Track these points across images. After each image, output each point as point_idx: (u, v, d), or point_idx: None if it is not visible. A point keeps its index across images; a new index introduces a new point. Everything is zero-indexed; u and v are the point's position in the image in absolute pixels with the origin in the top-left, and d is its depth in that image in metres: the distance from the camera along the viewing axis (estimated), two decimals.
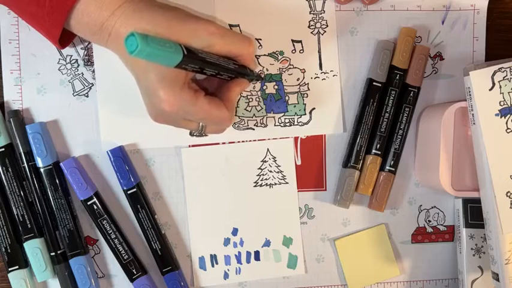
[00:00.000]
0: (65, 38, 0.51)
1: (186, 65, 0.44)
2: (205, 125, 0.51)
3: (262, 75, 0.57)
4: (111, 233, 0.56)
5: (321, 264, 0.60)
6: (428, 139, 0.58)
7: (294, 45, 0.58)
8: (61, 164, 0.55)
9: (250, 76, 0.52)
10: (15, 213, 0.55)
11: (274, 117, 0.58)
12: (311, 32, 0.58)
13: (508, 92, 0.52)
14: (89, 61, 0.57)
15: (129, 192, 0.56)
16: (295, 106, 0.58)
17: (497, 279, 0.53)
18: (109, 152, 0.56)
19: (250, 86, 0.58)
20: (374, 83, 0.57)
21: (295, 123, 0.58)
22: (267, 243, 0.59)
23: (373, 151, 0.58)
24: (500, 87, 0.52)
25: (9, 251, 0.55)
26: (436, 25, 0.59)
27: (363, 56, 0.59)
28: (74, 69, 0.56)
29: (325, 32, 0.58)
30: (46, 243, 0.56)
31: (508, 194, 0.52)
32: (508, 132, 0.52)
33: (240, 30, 0.57)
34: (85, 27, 0.47)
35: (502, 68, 0.52)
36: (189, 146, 0.58)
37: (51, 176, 0.55)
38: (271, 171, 0.59)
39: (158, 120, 0.49)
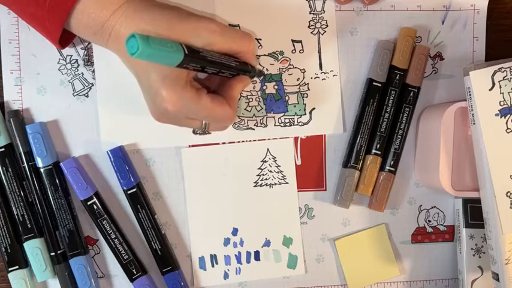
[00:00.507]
0: (65, 38, 0.51)
1: (187, 64, 0.44)
2: (208, 123, 0.51)
3: (264, 72, 0.57)
4: (111, 233, 0.56)
5: (321, 264, 0.60)
6: (428, 139, 0.58)
7: (294, 45, 0.58)
8: (61, 164, 0.55)
9: (251, 73, 0.52)
10: (15, 213, 0.55)
11: (274, 117, 0.58)
12: (311, 32, 0.58)
13: (508, 92, 0.52)
14: (89, 61, 0.57)
15: (129, 192, 0.56)
16: (295, 106, 0.58)
17: (497, 279, 0.53)
18: (109, 152, 0.56)
19: (250, 85, 0.58)
20: (374, 83, 0.57)
21: (295, 123, 0.58)
22: (267, 243, 0.59)
23: (373, 151, 0.58)
24: (500, 87, 0.52)
25: (9, 251, 0.55)
26: (436, 25, 0.59)
27: (363, 56, 0.59)
28: (74, 69, 0.56)
29: (325, 32, 0.58)
30: (46, 243, 0.56)
31: (508, 194, 0.52)
32: (508, 132, 0.52)
33: None
34: (85, 27, 0.47)
35: (502, 68, 0.52)
36: (189, 146, 0.58)
37: (51, 176, 0.55)
38: (271, 171, 0.59)
39: (161, 120, 0.49)
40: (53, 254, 0.56)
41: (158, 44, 0.40)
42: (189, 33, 0.45)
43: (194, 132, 0.57)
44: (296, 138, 0.59)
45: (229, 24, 0.57)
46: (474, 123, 0.53)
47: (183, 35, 0.45)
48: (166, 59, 0.42)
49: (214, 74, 0.48)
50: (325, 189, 0.60)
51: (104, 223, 0.56)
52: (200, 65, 0.45)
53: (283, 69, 0.58)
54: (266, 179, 0.59)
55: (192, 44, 0.45)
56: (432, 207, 0.61)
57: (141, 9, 0.45)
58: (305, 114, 0.58)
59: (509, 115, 0.52)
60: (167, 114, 0.48)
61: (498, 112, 0.52)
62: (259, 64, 0.58)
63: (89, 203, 0.55)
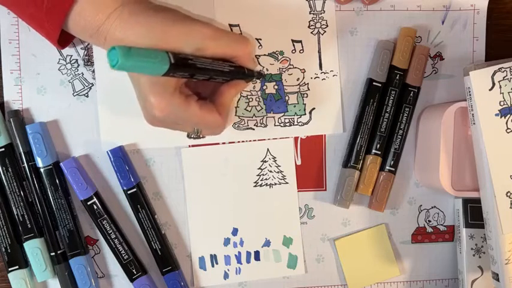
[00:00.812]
0: (64, 38, 0.51)
1: (174, 73, 0.43)
2: (200, 128, 0.51)
3: (264, 73, 0.56)
4: (111, 233, 0.56)
5: (321, 264, 0.60)
6: (428, 139, 0.58)
7: (294, 45, 0.58)
8: (61, 164, 0.55)
9: (248, 77, 0.51)
10: (15, 213, 0.55)
11: (274, 117, 0.58)
12: (311, 32, 0.58)
13: (508, 92, 0.52)
14: (89, 61, 0.57)
15: (129, 192, 0.56)
16: (295, 106, 0.58)
17: (497, 279, 0.53)
18: (109, 152, 0.56)
19: (250, 85, 0.58)
20: (374, 83, 0.57)
21: (295, 123, 0.58)
22: (267, 243, 0.59)
23: (373, 151, 0.58)
24: (500, 87, 0.52)
25: (9, 251, 0.55)
26: (436, 25, 0.59)
27: (363, 56, 0.59)
28: (74, 69, 0.56)
29: (325, 32, 0.58)
30: (46, 243, 0.56)
31: (508, 194, 0.52)
32: (508, 132, 0.52)
33: (240, 30, 0.57)
34: (82, 29, 0.47)
35: (502, 68, 0.52)
36: (189, 146, 0.58)
37: (51, 176, 0.55)
38: (271, 171, 0.59)
39: (154, 124, 0.49)
40: (53, 254, 0.56)
41: (140, 56, 0.40)
42: (181, 38, 0.44)
43: (188, 136, 0.56)
44: (296, 138, 0.59)
45: (229, 24, 0.57)
46: (474, 123, 0.53)
47: (174, 40, 0.44)
48: (151, 70, 0.41)
49: (206, 80, 0.48)
50: (325, 189, 0.60)
51: (104, 223, 0.56)
52: (188, 73, 0.45)
53: (283, 69, 0.58)
54: (266, 179, 0.59)
55: (183, 49, 0.44)
56: (432, 207, 0.61)
57: (136, 12, 0.45)
58: (305, 114, 0.58)
59: (509, 115, 0.52)
60: (158, 119, 0.48)
61: (498, 112, 0.52)
62: (259, 64, 0.58)
63: (89, 203, 0.55)
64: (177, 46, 0.44)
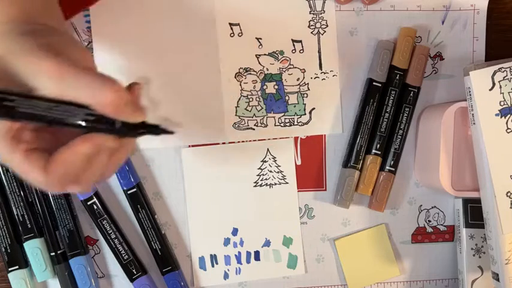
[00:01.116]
0: None
1: None
2: None
3: (165, 129, 0.39)
4: (111, 233, 0.56)
5: (321, 264, 0.60)
6: (428, 139, 0.58)
7: (294, 45, 0.58)
8: None
9: (124, 132, 0.37)
10: (15, 213, 0.55)
11: (274, 117, 0.58)
12: (311, 32, 0.58)
13: (508, 92, 0.52)
14: None
15: (129, 192, 0.56)
16: (295, 106, 0.58)
17: (497, 279, 0.53)
18: None
19: (251, 85, 0.58)
20: (374, 83, 0.57)
21: (295, 123, 0.58)
22: (267, 243, 0.59)
23: (373, 151, 0.58)
24: (500, 87, 0.52)
25: (9, 251, 0.55)
26: (436, 25, 0.59)
27: (362, 56, 0.59)
28: None
29: (325, 32, 0.58)
30: (46, 243, 0.56)
31: (508, 194, 0.52)
32: (508, 132, 0.52)
33: (240, 30, 0.57)
34: None
35: (502, 68, 0.52)
36: (189, 146, 0.58)
37: None
38: (271, 171, 0.59)
39: None
40: (53, 254, 0.56)
41: None
42: (16, 72, 0.36)
43: None
44: (296, 138, 0.59)
45: (230, 23, 0.57)
46: (474, 123, 0.53)
47: (19, 73, 0.36)
48: None
49: (47, 126, 0.38)
50: (325, 189, 0.60)
51: (104, 223, 0.56)
52: (4, 117, 0.35)
53: (283, 69, 0.58)
54: (266, 179, 0.59)
55: (22, 84, 0.36)
56: (432, 207, 0.61)
57: (17, 32, 0.38)
58: (305, 114, 0.58)
59: (509, 115, 0.52)
60: None
61: (498, 112, 0.52)
62: (259, 64, 0.58)
63: (89, 203, 0.55)
64: (16, 81, 0.36)
